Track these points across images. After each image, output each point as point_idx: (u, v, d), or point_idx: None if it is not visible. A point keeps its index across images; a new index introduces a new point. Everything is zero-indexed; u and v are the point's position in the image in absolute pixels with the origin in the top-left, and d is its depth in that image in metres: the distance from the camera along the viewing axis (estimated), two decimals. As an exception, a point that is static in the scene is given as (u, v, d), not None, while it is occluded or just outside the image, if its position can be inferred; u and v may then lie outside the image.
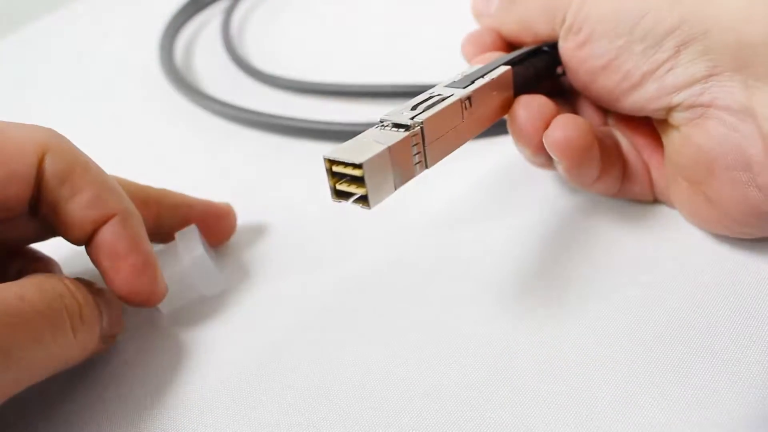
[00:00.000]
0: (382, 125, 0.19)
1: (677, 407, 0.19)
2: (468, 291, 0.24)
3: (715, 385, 0.19)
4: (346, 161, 0.17)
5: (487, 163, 0.30)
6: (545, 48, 0.25)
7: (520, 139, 0.23)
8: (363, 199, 0.17)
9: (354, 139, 0.18)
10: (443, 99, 0.20)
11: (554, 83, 0.28)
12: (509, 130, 0.24)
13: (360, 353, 0.22)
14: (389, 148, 0.18)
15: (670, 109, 0.22)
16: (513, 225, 0.26)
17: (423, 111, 0.19)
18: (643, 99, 0.22)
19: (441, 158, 0.20)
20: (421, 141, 0.19)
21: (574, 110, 0.28)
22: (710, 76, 0.20)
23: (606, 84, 0.23)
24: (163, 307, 0.25)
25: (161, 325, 0.25)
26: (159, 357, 0.24)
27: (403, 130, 0.19)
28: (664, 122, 0.23)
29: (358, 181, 0.17)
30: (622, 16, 0.22)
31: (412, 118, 0.19)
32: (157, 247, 0.26)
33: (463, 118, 0.21)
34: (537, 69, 0.25)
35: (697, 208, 0.23)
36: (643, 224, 0.25)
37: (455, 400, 0.20)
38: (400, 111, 0.20)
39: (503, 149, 0.31)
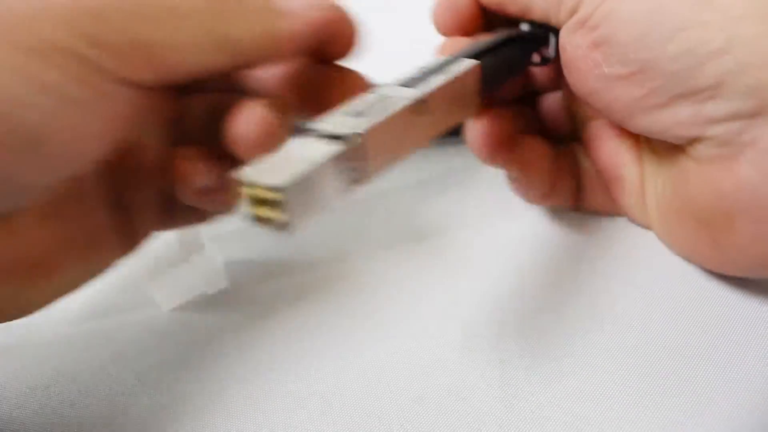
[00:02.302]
0: (316, 133, 0.16)
1: (673, 416, 0.19)
2: (460, 297, 0.24)
3: (712, 394, 0.19)
4: (262, 184, 0.14)
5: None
6: (524, 31, 0.23)
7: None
8: (285, 225, 0.15)
9: (277, 152, 0.15)
10: (392, 103, 0.17)
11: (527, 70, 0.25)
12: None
13: (353, 358, 0.22)
14: (319, 167, 0.15)
15: (696, 140, 0.19)
16: (504, 232, 0.26)
17: (367, 117, 0.16)
18: (668, 122, 0.19)
19: (385, 170, 0.17)
20: (360, 154, 0.16)
21: (545, 108, 0.27)
22: (758, 114, 0.17)
23: (622, 97, 0.20)
24: (164, 304, 0.26)
25: (160, 323, 0.26)
26: (158, 354, 0.24)
27: (340, 141, 0.15)
28: (678, 149, 0.20)
29: (279, 205, 0.14)
30: (656, 26, 0.18)
31: (352, 128, 0.16)
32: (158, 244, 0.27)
33: (415, 124, 0.18)
34: (509, 61, 0.22)
35: (696, 247, 0.21)
36: (637, 230, 0.25)
37: (445, 408, 0.20)
38: (340, 116, 0.17)
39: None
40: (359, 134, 0.16)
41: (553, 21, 0.21)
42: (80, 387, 0.23)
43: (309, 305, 0.25)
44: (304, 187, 0.15)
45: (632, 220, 0.25)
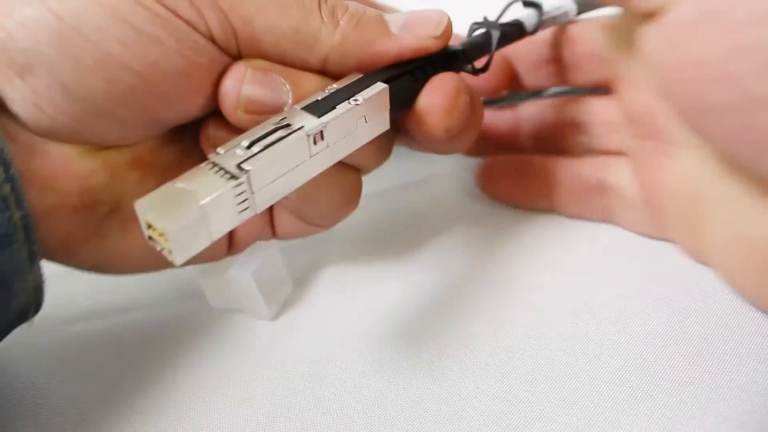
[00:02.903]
0: (212, 166, 0.17)
1: (674, 416, 0.19)
2: (458, 298, 0.24)
3: (711, 394, 0.19)
4: (147, 220, 0.15)
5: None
6: (455, 48, 0.22)
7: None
8: (170, 253, 0.16)
9: (176, 181, 0.16)
10: (288, 133, 0.17)
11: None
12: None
13: (353, 359, 0.22)
14: (202, 206, 0.16)
15: None
16: (496, 228, 0.26)
17: (259, 149, 0.17)
18: None
19: (278, 198, 0.18)
20: (248, 188, 0.17)
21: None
22: None
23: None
24: (212, 301, 0.25)
25: (160, 322, 0.26)
26: (158, 354, 0.24)
27: (228, 177, 0.16)
28: None
29: (164, 236, 0.15)
30: None
31: (241, 163, 0.16)
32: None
33: (311, 154, 0.18)
34: (429, 77, 0.21)
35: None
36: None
37: (445, 409, 0.20)
38: (235, 146, 0.17)
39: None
40: (245, 171, 0.16)
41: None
42: (80, 386, 0.23)
43: (303, 309, 0.25)
44: (188, 222, 0.15)
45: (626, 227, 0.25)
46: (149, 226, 0.16)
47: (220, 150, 0.17)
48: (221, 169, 0.16)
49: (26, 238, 0.19)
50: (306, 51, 0.20)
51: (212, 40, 0.19)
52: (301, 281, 0.26)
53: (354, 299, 0.25)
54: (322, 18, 0.20)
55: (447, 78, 0.21)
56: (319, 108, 0.18)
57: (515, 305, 0.23)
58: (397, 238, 0.27)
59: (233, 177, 0.16)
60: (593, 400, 0.19)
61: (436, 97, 0.20)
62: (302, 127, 0.18)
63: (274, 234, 0.24)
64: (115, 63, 0.18)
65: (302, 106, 0.18)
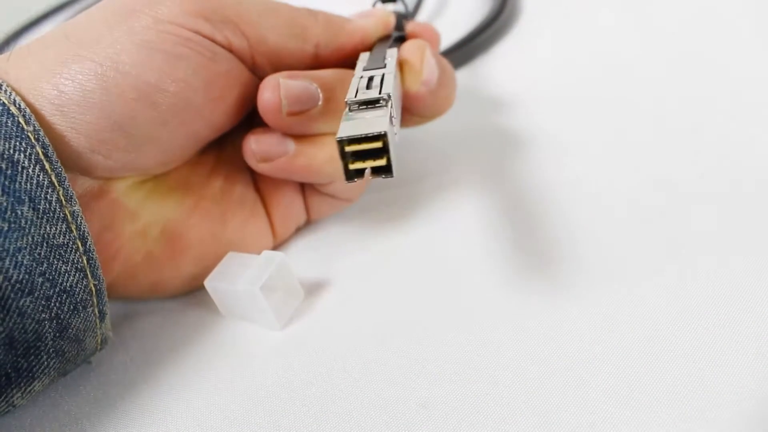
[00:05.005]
0: (352, 106, 0.20)
1: (673, 414, 0.19)
2: (464, 302, 0.24)
3: (711, 397, 0.19)
4: (365, 135, 0.18)
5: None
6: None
7: None
8: (383, 170, 0.18)
9: (344, 120, 0.19)
10: (382, 75, 0.21)
11: None
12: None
13: (357, 362, 0.22)
14: (389, 118, 0.19)
15: None
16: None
17: (377, 86, 0.20)
18: None
19: (399, 116, 0.22)
20: (391, 107, 0.20)
21: None
22: None
23: None
24: (220, 308, 0.25)
25: (171, 328, 0.26)
26: (168, 359, 0.24)
27: (380, 104, 0.20)
28: None
29: (374, 154, 0.18)
30: None
31: (380, 92, 0.20)
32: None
33: (395, 81, 0.22)
34: None
35: None
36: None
37: (450, 413, 0.20)
38: (355, 90, 0.20)
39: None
40: (388, 94, 0.20)
41: None
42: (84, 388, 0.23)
43: (305, 313, 0.25)
44: (391, 133, 0.18)
45: None
46: (356, 156, 0.18)
47: (350, 99, 0.20)
48: (363, 103, 0.20)
49: (98, 301, 0.21)
50: (302, 41, 0.24)
51: (230, 49, 0.23)
52: (313, 291, 0.26)
53: (364, 309, 0.25)
54: (307, 13, 0.24)
55: (413, 41, 0.26)
56: (376, 63, 0.23)
57: (520, 312, 0.23)
58: (408, 248, 0.27)
59: (386, 101, 0.20)
60: (594, 403, 0.19)
61: (409, 52, 0.25)
62: (385, 66, 0.22)
63: (308, 218, 0.28)
64: (153, 89, 0.21)
65: (364, 67, 0.22)
